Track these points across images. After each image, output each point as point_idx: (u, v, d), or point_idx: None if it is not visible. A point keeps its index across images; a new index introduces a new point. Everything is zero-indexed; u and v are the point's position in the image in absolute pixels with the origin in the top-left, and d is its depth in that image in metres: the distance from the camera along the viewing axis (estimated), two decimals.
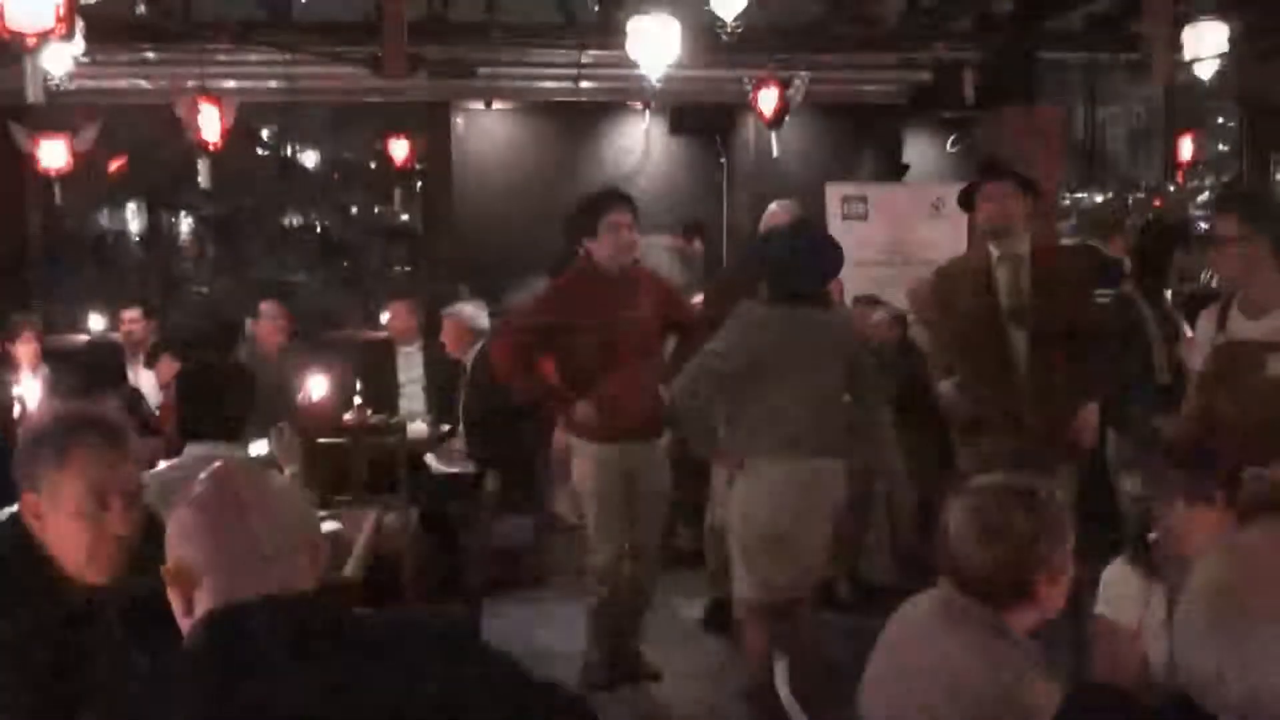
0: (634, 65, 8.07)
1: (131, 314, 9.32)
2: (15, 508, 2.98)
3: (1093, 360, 5.79)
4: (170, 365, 6.85)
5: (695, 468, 6.66)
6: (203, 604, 2.16)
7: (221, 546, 2.17)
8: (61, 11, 4.90)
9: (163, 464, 4.65)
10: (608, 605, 6.40)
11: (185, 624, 2.19)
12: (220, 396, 4.66)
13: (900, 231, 9.96)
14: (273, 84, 10.44)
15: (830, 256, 5.84)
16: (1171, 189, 19.40)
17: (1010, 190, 5.83)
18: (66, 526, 2.84)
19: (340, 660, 2.07)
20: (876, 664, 3.23)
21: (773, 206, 7.10)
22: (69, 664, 2.83)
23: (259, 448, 5.00)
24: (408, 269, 17.40)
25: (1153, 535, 3.61)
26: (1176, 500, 3.54)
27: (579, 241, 9.92)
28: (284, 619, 2.12)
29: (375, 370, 8.66)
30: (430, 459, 8.09)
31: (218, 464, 2.34)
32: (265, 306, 8.28)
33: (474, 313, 8.48)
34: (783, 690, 3.71)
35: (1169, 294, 8.41)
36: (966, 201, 6.04)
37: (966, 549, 3.06)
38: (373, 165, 17.89)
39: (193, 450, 4.49)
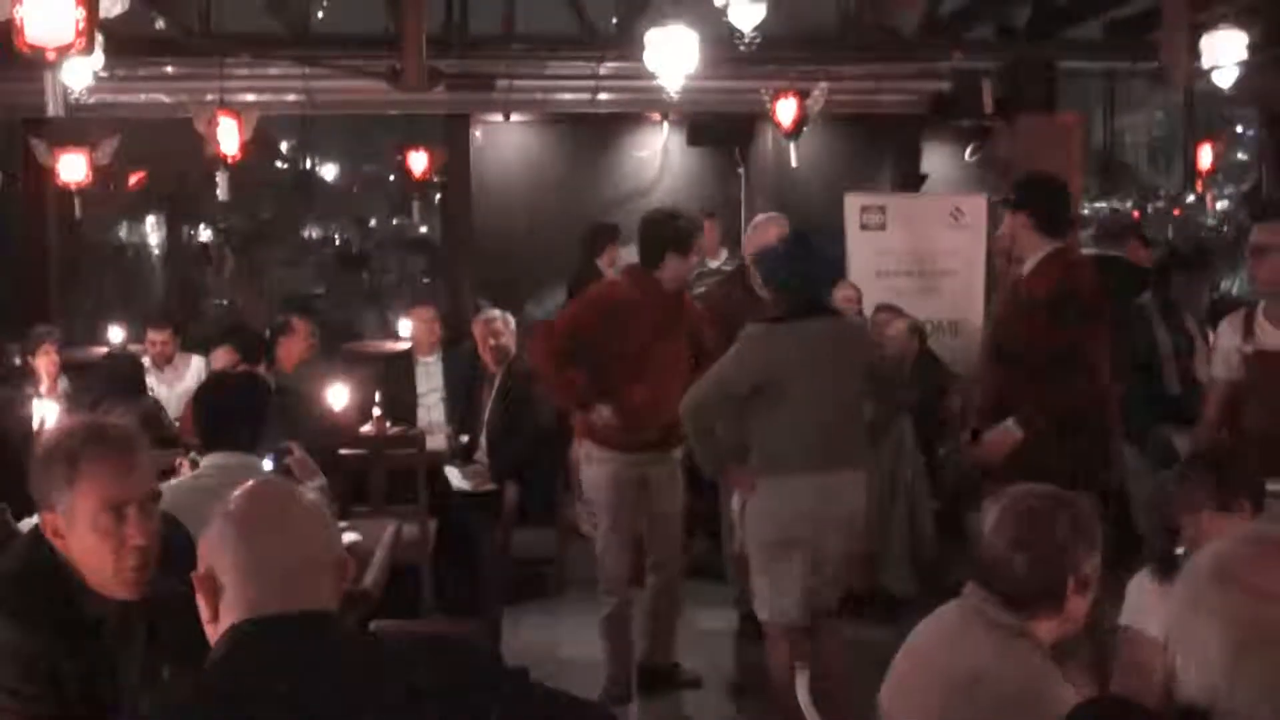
0: (652, 76, 8.07)
1: (161, 336, 9.29)
2: (36, 522, 2.98)
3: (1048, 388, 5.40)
4: (229, 355, 6.85)
5: (711, 481, 6.65)
6: (228, 614, 2.19)
7: (250, 559, 2.20)
8: (81, 26, 4.92)
9: (183, 475, 4.66)
10: (619, 614, 6.43)
11: (210, 630, 2.22)
12: (237, 407, 4.67)
13: (919, 241, 9.94)
14: (291, 97, 10.48)
15: (828, 261, 5.80)
16: (1191, 198, 19.35)
17: (1009, 212, 5.66)
18: (86, 542, 2.84)
19: (361, 680, 2.09)
20: (900, 667, 3.26)
21: (759, 219, 7.10)
22: (96, 676, 2.83)
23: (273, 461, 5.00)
24: (426, 280, 17.44)
25: (1179, 549, 3.62)
26: (1204, 509, 3.55)
27: (598, 253, 9.98)
28: (307, 636, 2.13)
29: (394, 381, 8.67)
30: (451, 475, 8.08)
31: (254, 481, 2.38)
32: (299, 324, 8.30)
33: (505, 316, 8.51)
34: (803, 699, 3.72)
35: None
36: None
37: (1001, 552, 3.09)
38: (391, 178, 17.95)
39: (212, 460, 4.50)
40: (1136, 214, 20.31)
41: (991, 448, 5.47)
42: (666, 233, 6.31)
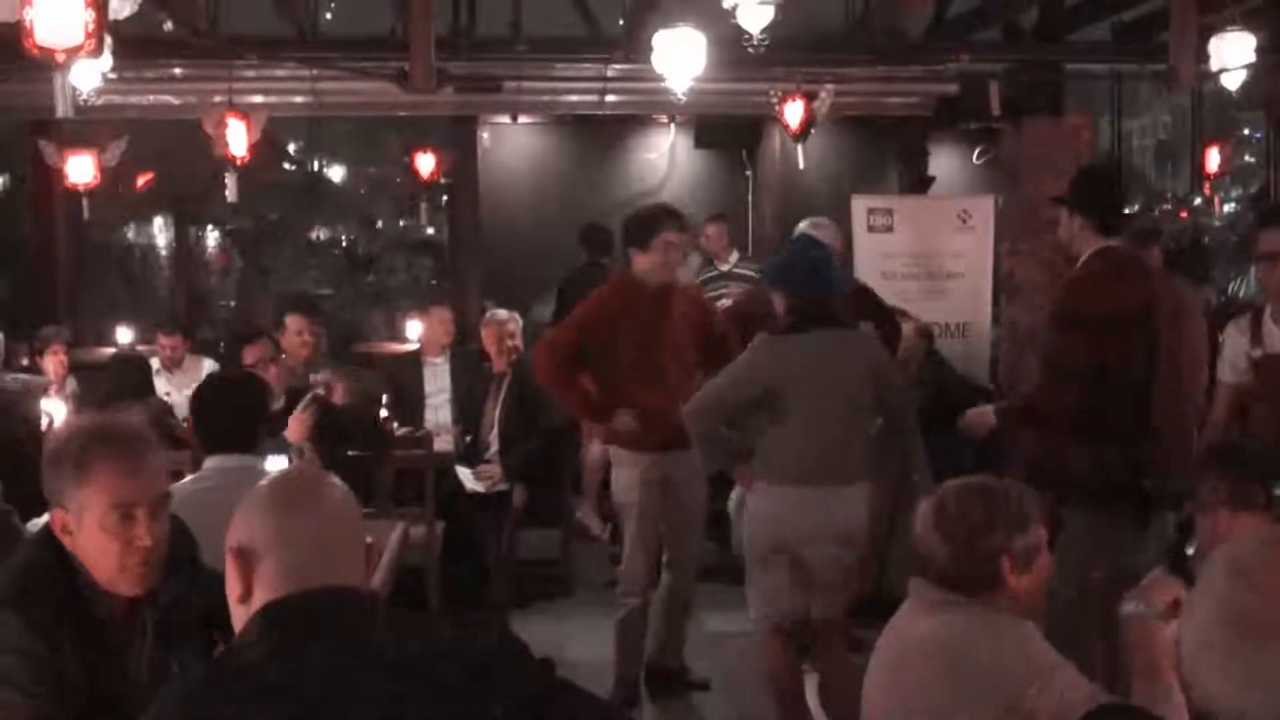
0: (659, 78, 8.07)
1: (172, 340, 9.29)
2: (45, 520, 2.99)
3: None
4: (262, 348, 6.86)
5: (720, 480, 6.66)
6: (261, 588, 2.21)
7: (286, 529, 2.24)
8: (91, 28, 4.93)
9: (187, 477, 4.66)
10: (636, 616, 6.43)
11: (239, 611, 2.24)
12: (235, 408, 4.67)
13: (926, 244, 9.95)
14: (299, 99, 10.48)
15: (837, 268, 5.80)
16: (1198, 200, 19.35)
17: (1065, 213, 5.62)
18: (94, 541, 2.85)
19: (396, 658, 2.12)
20: (872, 673, 3.31)
21: (803, 225, 7.07)
22: (104, 675, 2.84)
23: (280, 462, 4.99)
24: (433, 282, 17.45)
25: (1190, 547, 3.62)
26: (1221, 509, 3.56)
27: (600, 253, 9.97)
28: (341, 611, 2.16)
29: (402, 383, 8.68)
30: (464, 477, 8.09)
31: (289, 465, 2.44)
32: (290, 320, 8.29)
33: (510, 316, 8.53)
34: (812, 703, 3.74)
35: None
36: None
37: (929, 541, 3.19)
38: (399, 179, 17.94)
39: (212, 463, 4.50)
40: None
41: (969, 423, 5.71)
42: (625, 231, 6.38)
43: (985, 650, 3.01)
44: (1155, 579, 3.38)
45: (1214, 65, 8.50)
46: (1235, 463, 3.73)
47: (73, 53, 4.98)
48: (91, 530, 2.84)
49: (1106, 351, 5.27)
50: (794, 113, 9.70)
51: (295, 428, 5.81)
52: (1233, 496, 3.59)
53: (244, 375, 5.90)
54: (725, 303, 8.33)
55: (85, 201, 10.24)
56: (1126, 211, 7.35)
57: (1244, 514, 3.55)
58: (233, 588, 2.25)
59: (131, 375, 8.38)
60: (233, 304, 17.27)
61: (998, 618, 3.08)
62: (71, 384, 8.76)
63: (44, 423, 7.25)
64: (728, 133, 12.48)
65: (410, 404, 8.51)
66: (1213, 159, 13.55)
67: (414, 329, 10.02)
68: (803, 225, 7.04)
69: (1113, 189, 5.73)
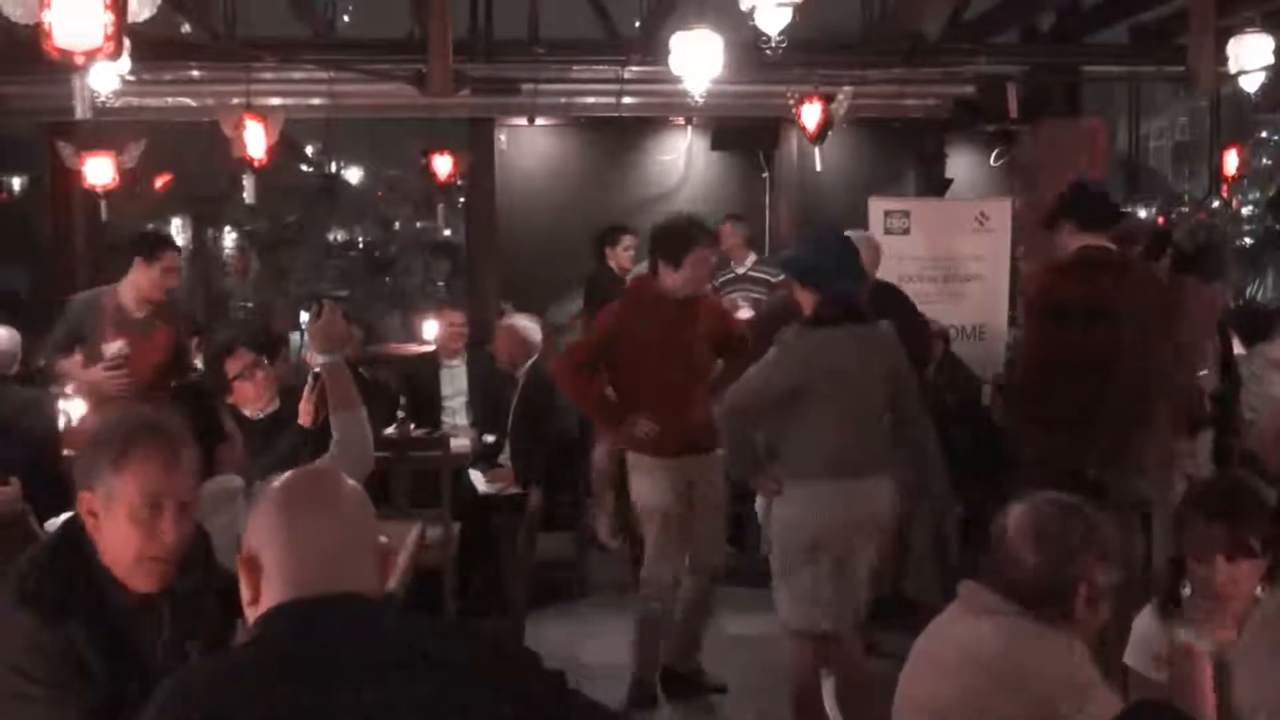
0: (676, 80, 8.06)
1: None
2: (67, 515, 3.00)
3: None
4: (243, 358, 6.87)
5: (741, 484, 6.65)
6: (269, 594, 2.21)
7: (294, 539, 2.23)
8: (110, 30, 4.94)
9: None
10: (659, 619, 6.43)
11: (250, 612, 2.24)
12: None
13: (943, 246, 9.91)
14: (317, 101, 10.50)
15: (855, 260, 5.78)
16: (1216, 203, 19.29)
17: (1057, 232, 5.71)
18: (119, 529, 2.86)
19: (397, 666, 2.11)
20: (911, 671, 3.33)
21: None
22: (123, 666, 2.84)
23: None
24: (442, 283, 17.49)
25: (1185, 588, 3.54)
26: (1217, 557, 3.49)
27: (603, 255, 9.98)
28: (346, 617, 2.15)
29: (419, 384, 8.69)
30: (475, 479, 8.08)
31: (301, 468, 2.41)
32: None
33: (528, 325, 8.51)
34: (830, 706, 3.71)
35: None
36: None
37: (1018, 548, 3.17)
38: (416, 181, 18.00)
39: None
40: (1161, 219, 20.27)
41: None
42: (657, 244, 6.34)
43: (1027, 659, 3.01)
44: (1202, 608, 3.37)
45: (1232, 67, 8.47)
46: (1229, 511, 3.61)
47: (91, 55, 4.99)
48: (118, 518, 2.86)
49: (1062, 341, 5.28)
50: (811, 115, 9.69)
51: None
52: (1229, 546, 3.49)
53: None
54: (745, 313, 8.30)
55: (103, 203, 10.27)
56: (1123, 210, 7.31)
57: (1243, 561, 3.49)
58: (244, 591, 2.26)
59: None
60: (250, 305, 17.32)
61: (1043, 629, 3.07)
62: None
63: (62, 422, 7.27)
64: (745, 135, 12.47)
65: (426, 406, 8.51)
66: (1230, 161, 13.51)
67: (431, 330, 10.03)
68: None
69: (1089, 190, 5.74)
